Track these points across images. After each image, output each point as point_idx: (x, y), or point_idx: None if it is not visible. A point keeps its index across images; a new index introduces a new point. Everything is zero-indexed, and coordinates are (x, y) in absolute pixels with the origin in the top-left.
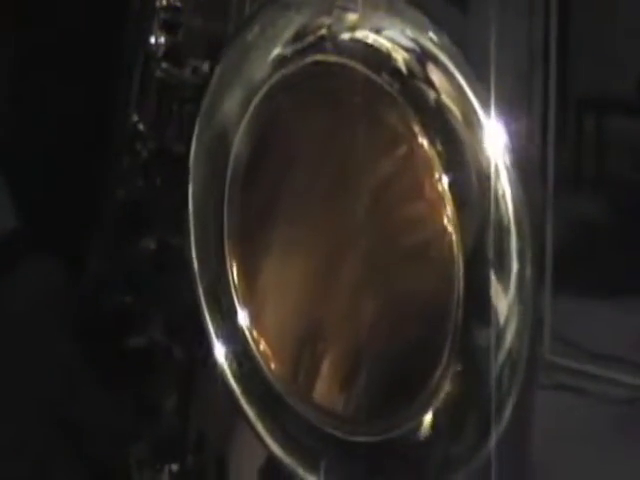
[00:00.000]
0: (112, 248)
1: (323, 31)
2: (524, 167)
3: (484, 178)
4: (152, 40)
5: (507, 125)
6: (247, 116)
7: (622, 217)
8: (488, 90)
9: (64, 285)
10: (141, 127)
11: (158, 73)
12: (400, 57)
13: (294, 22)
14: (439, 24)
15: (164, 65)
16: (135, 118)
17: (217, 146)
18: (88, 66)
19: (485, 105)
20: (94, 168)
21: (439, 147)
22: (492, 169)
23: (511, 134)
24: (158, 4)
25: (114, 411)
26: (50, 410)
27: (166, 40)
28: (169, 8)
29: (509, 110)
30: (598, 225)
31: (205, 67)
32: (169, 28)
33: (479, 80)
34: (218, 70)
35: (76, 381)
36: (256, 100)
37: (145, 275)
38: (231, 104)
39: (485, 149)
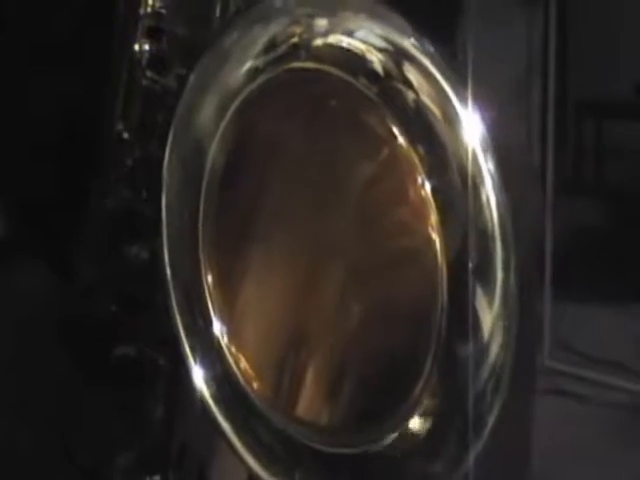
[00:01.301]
0: (100, 257)
1: (295, 39)
2: (511, 173)
3: (467, 181)
4: (136, 47)
5: (487, 120)
6: (223, 124)
7: (622, 222)
8: (465, 85)
9: (52, 294)
10: (126, 136)
11: (143, 81)
12: (375, 58)
13: (265, 33)
14: (413, 22)
15: (149, 73)
16: (120, 126)
17: (192, 155)
18: (73, 74)
19: (466, 104)
20: (81, 177)
21: (421, 150)
22: (476, 175)
23: (492, 129)
24: (142, 11)
25: (99, 421)
26: (35, 418)
27: (150, 47)
28: (153, 15)
29: (491, 110)
30: (598, 230)
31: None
32: (153, 35)
33: (459, 78)
34: (193, 77)
35: (62, 389)
36: (232, 108)
37: (133, 285)
38: (207, 112)
39: (467, 151)
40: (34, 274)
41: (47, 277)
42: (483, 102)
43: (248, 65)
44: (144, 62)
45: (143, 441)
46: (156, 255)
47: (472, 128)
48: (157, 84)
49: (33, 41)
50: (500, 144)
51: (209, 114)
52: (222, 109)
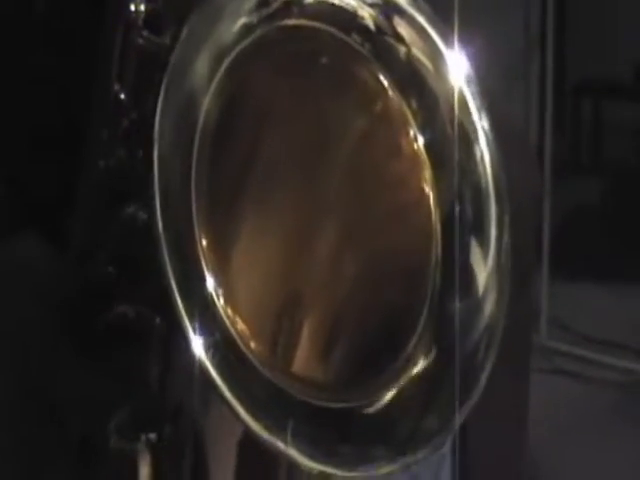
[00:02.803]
0: (95, 219)
1: None
2: (504, 127)
3: (459, 134)
4: (132, 7)
5: (473, 58)
6: (216, 80)
7: (619, 202)
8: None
9: (47, 257)
10: (122, 96)
11: (139, 41)
12: (367, 14)
13: None
14: None
15: (145, 33)
16: (116, 87)
17: (185, 110)
18: (68, 34)
19: (450, 44)
20: (75, 139)
21: (413, 104)
22: (463, 115)
23: (478, 67)
24: None
25: (94, 380)
26: (29, 378)
27: (146, 7)
28: None
29: (476, 45)
30: (596, 210)
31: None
32: None
33: (448, 28)
34: (185, 32)
35: (57, 351)
36: (225, 64)
37: (129, 245)
38: (200, 67)
39: (459, 102)
40: (28, 238)
41: (41, 241)
42: (469, 43)
43: (242, 21)
44: (140, 22)
45: (138, 400)
46: (150, 215)
47: (459, 69)
48: (153, 44)
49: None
50: (487, 83)
51: (202, 70)
52: (215, 65)
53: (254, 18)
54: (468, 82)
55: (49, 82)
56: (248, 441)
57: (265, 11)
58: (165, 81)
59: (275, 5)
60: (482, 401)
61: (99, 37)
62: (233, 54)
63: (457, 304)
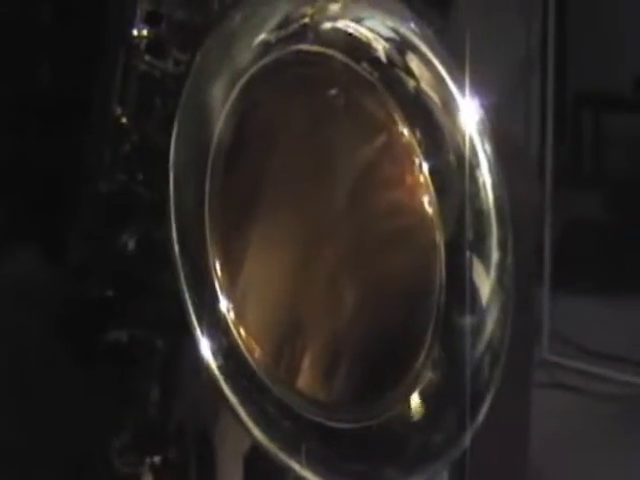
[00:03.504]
0: (93, 241)
1: (306, 20)
2: (508, 157)
3: (463, 163)
4: (134, 32)
5: (484, 105)
6: (229, 103)
7: (621, 214)
8: (464, 73)
9: (45, 277)
10: (124, 120)
11: (141, 65)
12: (380, 46)
13: (278, 10)
14: (420, 15)
15: (147, 57)
16: (118, 111)
17: (199, 133)
18: (71, 58)
19: (462, 88)
20: (77, 161)
21: (419, 134)
22: (472, 157)
23: (488, 113)
24: None
25: (96, 403)
26: (30, 401)
27: (148, 32)
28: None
29: (487, 91)
30: (597, 222)
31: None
32: (151, 20)
33: (458, 67)
34: (200, 56)
35: (57, 373)
36: (238, 87)
37: (128, 267)
38: (213, 91)
39: (464, 135)
40: (27, 258)
41: (40, 261)
42: (480, 88)
43: (260, 38)
44: (142, 47)
45: (140, 422)
46: (151, 237)
47: (469, 113)
48: (155, 69)
49: (33, 24)
50: (496, 128)
51: (216, 92)
52: (230, 86)
53: (273, 37)
54: (478, 124)
55: (51, 103)
56: (254, 455)
57: (283, 32)
58: (181, 104)
59: (293, 28)
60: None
61: (101, 61)
62: (247, 75)
63: (467, 322)
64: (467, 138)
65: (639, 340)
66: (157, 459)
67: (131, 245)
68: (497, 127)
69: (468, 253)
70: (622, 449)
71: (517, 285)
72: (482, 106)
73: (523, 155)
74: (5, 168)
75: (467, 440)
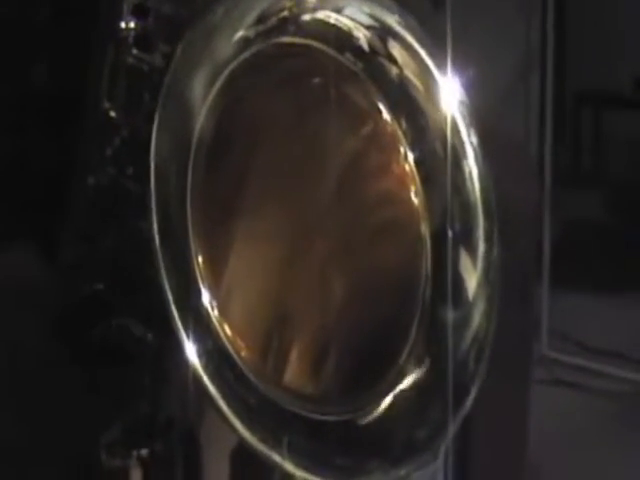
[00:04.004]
0: (84, 236)
1: (285, 13)
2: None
3: (449, 152)
4: (122, 25)
5: (465, 84)
6: (210, 98)
7: (620, 213)
8: (445, 53)
9: (38, 274)
10: (113, 114)
11: (129, 59)
12: (362, 35)
13: (257, 5)
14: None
15: (135, 51)
16: (107, 105)
17: (180, 127)
18: (59, 52)
19: (447, 77)
20: (65, 156)
21: (404, 123)
22: (451, 131)
23: (471, 93)
24: None
25: (85, 397)
26: (23, 397)
27: (136, 25)
28: None
29: (472, 80)
30: (596, 220)
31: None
32: (139, 13)
33: (441, 53)
34: (181, 50)
35: (49, 369)
36: (220, 81)
37: (119, 262)
38: (195, 85)
39: (449, 122)
40: (20, 255)
41: (30, 256)
42: (462, 67)
43: (239, 35)
44: (130, 40)
45: (129, 416)
46: (141, 231)
47: (451, 95)
48: (143, 62)
49: (21, 17)
50: (480, 109)
51: (198, 85)
52: (211, 80)
53: (251, 33)
54: (459, 104)
55: (42, 100)
56: (241, 450)
57: (262, 27)
58: (162, 97)
59: (272, 22)
60: (482, 411)
61: (89, 55)
62: (228, 70)
63: (450, 315)
64: (449, 117)
65: (638, 337)
66: (145, 452)
67: (121, 239)
68: (479, 108)
69: (453, 243)
70: (621, 446)
71: (516, 282)
72: (464, 86)
73: (521, 153)
74: None
75: (450, 432)
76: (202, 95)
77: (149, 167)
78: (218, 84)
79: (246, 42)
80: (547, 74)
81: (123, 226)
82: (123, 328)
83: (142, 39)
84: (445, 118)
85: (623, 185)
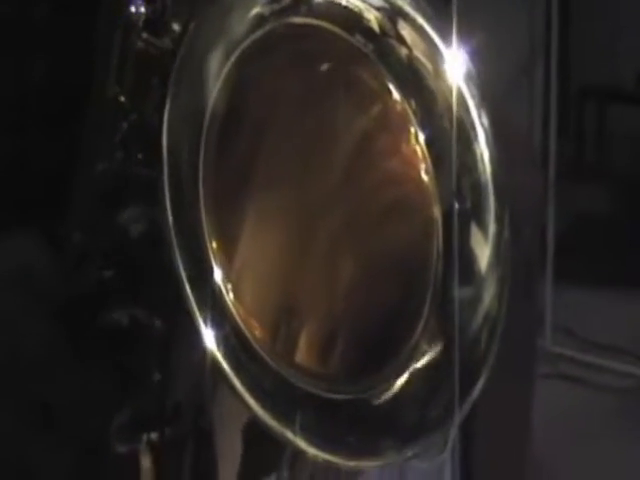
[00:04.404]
0: (91, 222)
1: None
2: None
3: (460, 133)
4: (132, 9)
5: (471, 54)
6: (222, 76)
7: (624, 207)
8: (450, 24)
9: (45, 261)
10: (122, 99)
11: (138, 43)
12: (372, 16)
13: None
14: None
15: (144, 35)
16: (116, 89)
17: (192, 105)
18: (67, 37)
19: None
20: (74, 141)
21: (413, 103)
22: (462, 110)
23: (476, 62)
24: None
25: (94, 383)
26: (31, 384)
27: (146, 9)
28: None
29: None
30: (600, 215)
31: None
32: None
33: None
34: (195, 25)
35: (56, 354)
36: (232, 60)
37: (125, 249)
38: (207, 62)
39: (453, 89)
40: (25, 240)
41: (38, 243)
42: (471, 45)
43: (255, 11)
44: (140, 24)
45: (138, 400)
46: (149, 217)
47: (457, 67)
48: (153, 46)
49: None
50: (486, 79)
51: (212, 62)
52: (224, 57)
53: (266, 10)
54: (467, 81)
55: (48, 82)
56: (252, 429)
57: (277, 5)
58: (175, 72)
59: (286, 1)
60: (486, 405)
61: (98, 39)
62: (242, 47)
63: (457, 293)
64: (455, 89)
65: None
66: (154, 436)
67: (129, 225)
68: (486, 80)
69: (464, 221)
70: (624, 441)
71: (519, 276)
72: (470, 57)
73: (525, 144)
74: (3, 153)
75: (458, 414)
76: (215, 72)
77: (159, 149)
78: (230, 62)
79: (260, 19)
80: (551, 68)
81: (131, 212)
82: (130, 315)
83: (152, 23)
84: (452, 92)
85: (627, 179)
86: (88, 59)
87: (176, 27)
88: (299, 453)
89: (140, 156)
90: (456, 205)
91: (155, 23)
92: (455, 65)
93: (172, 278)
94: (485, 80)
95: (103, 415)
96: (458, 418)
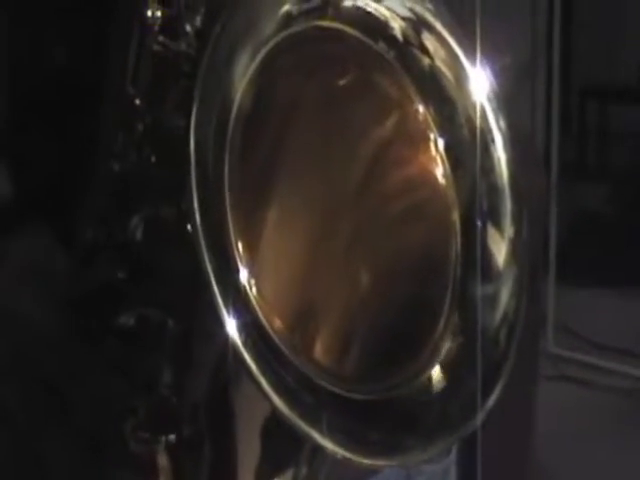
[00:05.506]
0: (104, 222)
1: None
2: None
3: (477, 138)
4: (149, 13)
5: (494, 74)
6: (249, 75)
7: (626, 206)
8: (474, 42)
9: (56, 259)
10: (137, 101)
11: (155, 46)
12: (397, 25)
13: None
14: None
15: (161, 38)
16: (131, 92)
17: (219, 103)
18: (83, 39)
19: (473, 60)
20: (89, 142)
21: (433, 110)
22: (479, 116)
23: (498, 82)
24: None
25: (109, 383)
26: (44, 382)
27: (162, 13)
28: None
29: (496, 59)
30: (602, 215)
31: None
32: (166, 1)
33: (472, 45)
34: (222, 24)
35: (69, 354)
36: (259, 58)
37: (138, 249)
38: (234, 61)
39: (477, 110)
40: (38, 239)
41: (51, 242)
42: (491, 60)
43: (284, 9)
44: (156, 27)
45: (154, 401)
46: (163, 218)
47: (480, 85)
48: (169, 50)
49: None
50: (507, 95)
51: (237, 62)
52: (251, 57)
53: (295, 9)
54: (488, 95)
55: (64, 85)
56: (271, 425)
57: (306, 5)
58: (201, 72)
59: (315, 2)
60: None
61: (114, 42)
62: (268, 47)
63: (479, 291)
64: (478, 107)
65: None
66: (172, 438)
67: (143, 226)
68: (506, 91)
69: (482, 222)
70: (627, 442)
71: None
72: (492, 74)
73: (529, 145)
74: (17, 149)
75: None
76: (241, 72)
77: (182, 150)
78: (257, 61)
79: (289, 18)
80: (553, 68)
81: (145, 213)
82: (142, 315)
83: (168, 26)
84: (474, 106)
85: (630, 178)
86: (103, 59)
87: (190, 29)
88: (318, 449)
89: (154, 158)
90: (476, 209)
91: (171, 26)
92: (478, 81)
93: (184, 278)
94: (503, 84)
95: (119, 415)
96: (481, 417)
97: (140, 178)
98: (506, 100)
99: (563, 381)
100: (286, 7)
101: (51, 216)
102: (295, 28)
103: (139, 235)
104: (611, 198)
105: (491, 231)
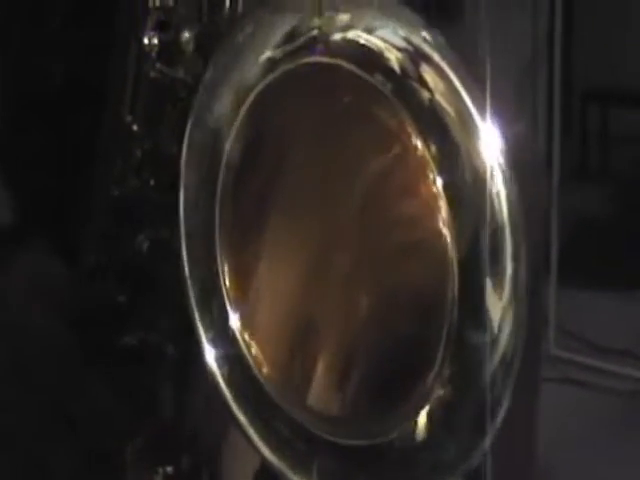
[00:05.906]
0: (107, 245)
1: (314, 32)
2: (521, 168)
3: (478, 179)
4: (145, 40)
5: (502, 127)
6: (239, 118)
7: (627, 209)
8: (484, 91)
9: (59, 280)
10: (135, 127)
11: (152, 73)
12: (393, 57)
13: (284, 24)
14: (433, 24)
15: (158, 65)
16: (129, 118)
17: (209, 148)
18: (81, 66)
19: (480, 106)
20: (89, 167)
21: (433, 148)
22: (488, 173)
23: (506, 136)
24: (151, 4)
25: (109, 410)
26: (44, 406)
27: (160, 40)
28: (162, 8)
29: (505, 112)
30: (603, 218)
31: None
32: (163, 28)
33: (474, 80)
34: (209, 72)
35: (69, 379)
36: (248, 102)
37: (139, 272)
38: (223, 106)
39: (480, 150)
40: (39, 262)
41: (52, 265)
42: (500, 113)
43: (266, 55)
44: (153, 54)
45: (153, 431)
46: (163, 242)
47: (486, 131)
48: (166, 76)
49: (43, 32)
50: (512, 144)
51: (225, 107)
52: (239, 101)
53: (278, 53)
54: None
55: (66, 107)
56: (264, 469)
57: (289, 46)
58: (191, 117)
59: (301, 41)
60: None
61: (112, 69)
62: (256, 90)
63: (481, 341)
64: (488, 167)
65: None
66: (170, 469)
67: (143, 250)
68: (516, 151)
69: (481, 269)
70: (629, 444)
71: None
72: (502, 133)
73: (530, 147)
74: (20, 169)
75: (486, 452)
76: (230, 117)
77: (173, 178)
78: (247, 104)
79: (272, 63)
80: (554, 72)
81: (145, 236)
82: (143, 338)
83: (166, 53)
84: (478, 150)
85: (631, 181)
86: (103, 79)
87: (188, 59)
88: None
89: (153, 182)
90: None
91: (168, 53)
92: (489, 137)
93: (184, 304)
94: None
95: (118, 442)
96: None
97: (140, 201)
98: (516, 163)
99: (564, 383)
100: (267, 53)
101: (55, 238)
102: (280, 70)
103: (140, 258)
104: (612, 201)
105: (489, 282)
